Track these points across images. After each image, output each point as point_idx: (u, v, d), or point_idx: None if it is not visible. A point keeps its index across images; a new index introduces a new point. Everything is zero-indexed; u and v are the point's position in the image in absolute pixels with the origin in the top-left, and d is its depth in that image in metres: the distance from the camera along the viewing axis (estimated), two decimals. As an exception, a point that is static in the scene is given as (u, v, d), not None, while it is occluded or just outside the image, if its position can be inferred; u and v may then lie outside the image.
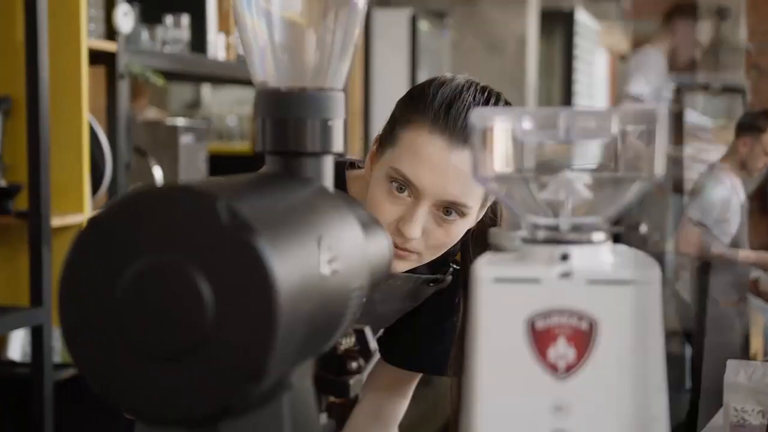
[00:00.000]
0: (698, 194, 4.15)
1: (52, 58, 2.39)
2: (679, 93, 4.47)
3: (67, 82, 2.45)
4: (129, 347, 0.62)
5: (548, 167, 0.74)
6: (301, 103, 0.80)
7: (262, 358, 0.60)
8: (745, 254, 4.19)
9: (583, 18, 7.53)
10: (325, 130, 0.81)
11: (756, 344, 4.40)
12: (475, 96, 1.25)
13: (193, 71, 3.13)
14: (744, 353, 4.22)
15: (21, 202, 2.37)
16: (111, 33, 2.64)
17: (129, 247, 0.62)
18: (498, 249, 0.78)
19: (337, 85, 0.83)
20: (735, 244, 4.19)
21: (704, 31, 4.46)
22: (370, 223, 0.86)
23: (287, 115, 0.80)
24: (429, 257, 1.29)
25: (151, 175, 2.87)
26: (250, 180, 0.73)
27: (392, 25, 5.09)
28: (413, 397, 1.55)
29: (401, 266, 1.28)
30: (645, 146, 0.70)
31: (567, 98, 7.44)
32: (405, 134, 1.24)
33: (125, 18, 2.61)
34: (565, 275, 0.68)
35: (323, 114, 0.81)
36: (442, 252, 1.29)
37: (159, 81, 2.74)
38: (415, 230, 1.23)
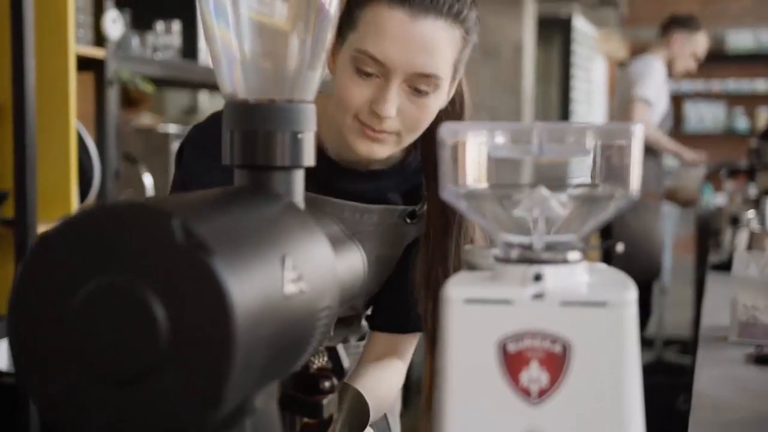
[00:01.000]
0: (643, 74, 4.35)
1: (40, 64, 2.36)
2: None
3: (55, 88, 2.43)
4: (81, 370, 0.59)
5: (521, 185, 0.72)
6: (270, 115, 0.78)
7: (218, 383, 0.58)
8: (668, 142, 4.39)
9: (580, 25, 7.52)
10: (296, 143, 0.78)
11: None
12: None
13: (184, 78, 3.10)
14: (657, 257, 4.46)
15: (7, 210, 2.35)
16: (100, 39, 2.61)
17: (81, 266, 0.59)
18: (471, 267, 0.75)
19: (307, 97, 0.81)
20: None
21: (702, 41, 4.46)
22: (341, 239, 0.83)
23: (256, 128, 0.78)
24: (408, 139, 1.26)
25: (141, 183, 2.85)
26: (213, 196, 0.70)
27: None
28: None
29: (382, 150, 1.25)
30: (621, 163, 0.67)
31: (564, 105, 7.43)
32: (364, 13, 1.21)
33: (114, 24, 2.59)
34: (538, 296, 0.66)
35: (293, 126, 0.78)
36: (420, 132, 1.26)
37: (148, 88, 2.71)
38: (389, 108, 1.20)
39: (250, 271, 0.61)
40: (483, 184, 0.70)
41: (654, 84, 4.34)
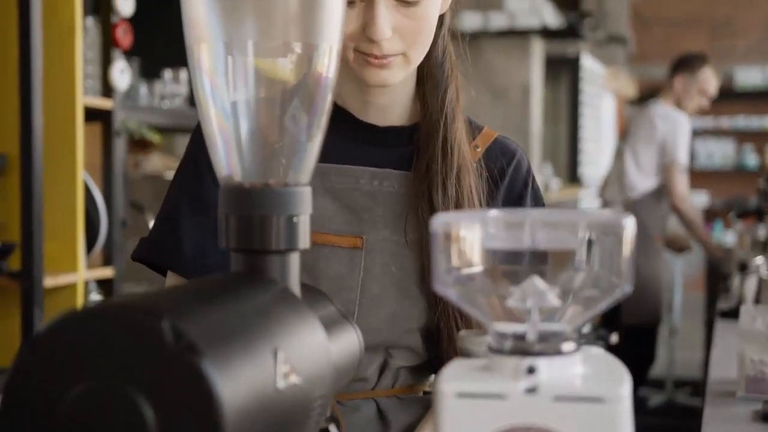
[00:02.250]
0: (676, 136, 4.32)
1: (47, 116, 2.38)
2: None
3: (62, 139, 2.44)
4: (71, 472, 0.59)
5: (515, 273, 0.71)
6: (265, 199, 0.78)
7: (208, 486, 0.57)
8: (700, 228, 4.59)
9: (588, 63, 7.54)
10: (291, 227, 0.78)
11: None
12: None
13: (192, 125, 3.12)
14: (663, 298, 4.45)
15: (14, 262, 2.36)
16: (108, 90, 2.63)
17: (70, 368, 0.59)
18: (466, 354, 0.75)
19: (302, 179, 0.81)
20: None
21: (706, 78, 4.47)
22: (336, 320, 0.83)
23: (251, 212, 0.78)
24: (415, 55, 1.18)
25: (148, 231, 2.85)
26: (204, 287, 0.70)
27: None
28: None
29: (392, 75, 1.17)
30: (614, 254, 0.67)
31: (573, 144, 7.43)
32: None
33: (122, 75, 2.61)
34: (531, 390, 0.65)
35: (289, 210, 0.78)
36: (425, 45, 1.18)
37: (155, 138, 2.73)
38: (381, 30, 1.12)
39: (242, 369, 0.61)
40: (475, 275, 0.70)
41: (686, 145, 4.37)
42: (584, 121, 7.54)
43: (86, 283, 2.60)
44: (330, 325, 0.80)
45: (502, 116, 5.42)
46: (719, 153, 10.14)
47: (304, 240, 0.79)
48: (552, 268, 0.70)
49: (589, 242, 0.68)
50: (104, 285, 2.72)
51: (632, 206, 4.44)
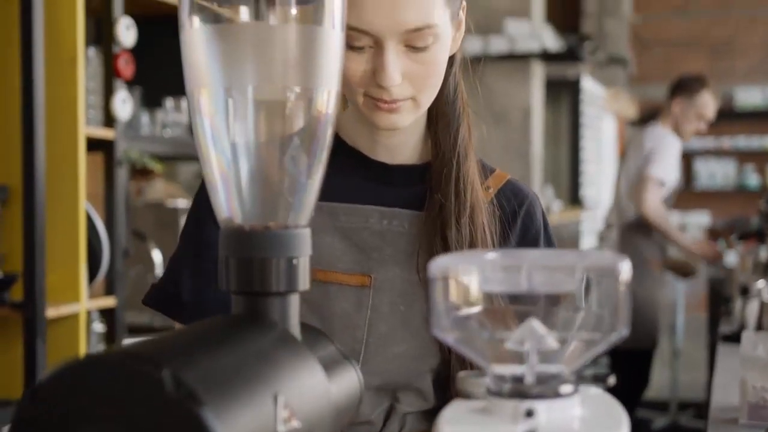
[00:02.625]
0: (658, 151, 4.32)
1: (50, 147, 2.40)
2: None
3: (65, 170, 2.45)
4: None
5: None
6: (265, 242, 0.79)
7: None
8: (678, 235, 4.52)
9: (589, 85, 7.56)
10: (291, 269, 0.79)
11: None
12: None
13: (193, 153, 3.14)
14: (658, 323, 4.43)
15: (16, 293, 2.36)
16: (110, 120, 2.65)
17: (71, 418, 0.60)
18: (465, 395, 0.75)
19: (302, 221, 0.81)
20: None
21: (704, 101, 4.47)
22: (336, 360, 0.83)
23: (251, 255, 0.78)
24: (425, 99, 1.17)
25: (150, 259, 2.86)
26: (204, 332, 0.71)
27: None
28: None
29: (402, 119, 1.17)
30: (611, 297, 0.67)
31: (574, 165, 7.45)
32: None
33: (123, 105, 2.62)
34: (530, 434, 0.66)
35: (288, 252, 0.79)
36: (435, 89, 1.17)
37: (156, 167, 2.74)
38: (391, 76, 1.11)
39: (242, 416, 0.61)
40: (473, 317, 0.70)
41: (668, 162, 4.35)
42: (585, 142, 7.56)
43: (88, 313, 2.61)
44: (330, 366, 0.80)
45: (503, 139, 5.44)
46: (720, 173, 10.16)
47: (303, 281, 0.80)
48: (549, 310, 0.71)
49: (587, 284, 0.69)
50: (106, 314, 2.72)
51: (627, 230, 4.46)
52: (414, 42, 1.12)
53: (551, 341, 0.69)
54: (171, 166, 3.62)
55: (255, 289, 0.78)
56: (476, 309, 0.71)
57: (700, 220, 10.22)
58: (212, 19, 0.79)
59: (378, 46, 1.12)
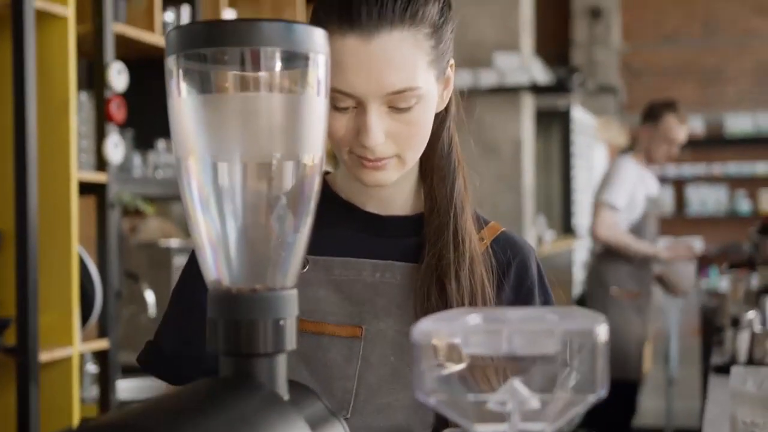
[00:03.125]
0: (612, 177, 4.35)
1: (42, 191, 2.41)
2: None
3: (57, 214, 2.47)
4: None
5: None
6: (252, 304, 0.80)
7: None
8: (638, 244, 4.38)
9: (579, 115, 7.61)
10: (278, 331, 0.81)
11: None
12: None
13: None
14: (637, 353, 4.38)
15: (9, 337, 2.37)
16: (102, 163, 2.67)
17: (63, 489, 0.61)
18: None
19: (288, 283, 0.83)
20: (635, 234, 4.40)
21: (669, 125, 4.45)
22: (323, 418, 0.85)
23: (239, 317, 0.80)
24: (410, 156, 1.18)
25: (143, 300, 2.87)
26: (193, 396, 0.72)
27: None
28: None
29: (387, 176, 1.18)
30: (589, 361, 0.69)
31: (566, 194, 7.48)
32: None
33: (116, 149, 2.64)
34: (512, 496, 0.67)
35: (275, 314, 0.81)
36: (420, 147, 1.18)
37: (148, 210, 2.76)
38: (373, 137, 1.13)
39: (229, 484, 0.63)
40: (455, 379, 0.72)
41: (620, 187, 4.34)
42: (576, 171, 7.60)
43: (81, 356, 2.61)
44: (317, 424, 0.81)
45: (495, 171, 5.47)
46: (712, 199, 10.20)
47: (290, 341, 0.82)
48: (531, 371, 0.73)
49: (566, 347, 0.71)
50: (100, 356, 2.73)
51: (595, 260, 4.49)
52: (396, 103, 1.13)
53: (533, 401, 0.71)
54: (164, 203, 3.64)
55: (243, 351, 0.80)
56: (458, 371, 0.72)
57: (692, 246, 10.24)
58: (199, 88, 0.81)
59: (361, 107, 1.13)
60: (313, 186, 0.84)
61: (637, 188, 4.39)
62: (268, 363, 0.80)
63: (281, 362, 0.81)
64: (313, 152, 0.83)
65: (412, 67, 1.13)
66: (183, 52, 0.80)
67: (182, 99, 0.80)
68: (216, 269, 0.83)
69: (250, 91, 0.82)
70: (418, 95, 1.13)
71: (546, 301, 1.29)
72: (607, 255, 4.39)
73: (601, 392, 0.70)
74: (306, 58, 0.81)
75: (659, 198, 4.68)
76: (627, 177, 4.37)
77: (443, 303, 1.20)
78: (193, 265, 1.29)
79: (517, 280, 1.28)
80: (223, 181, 0.81)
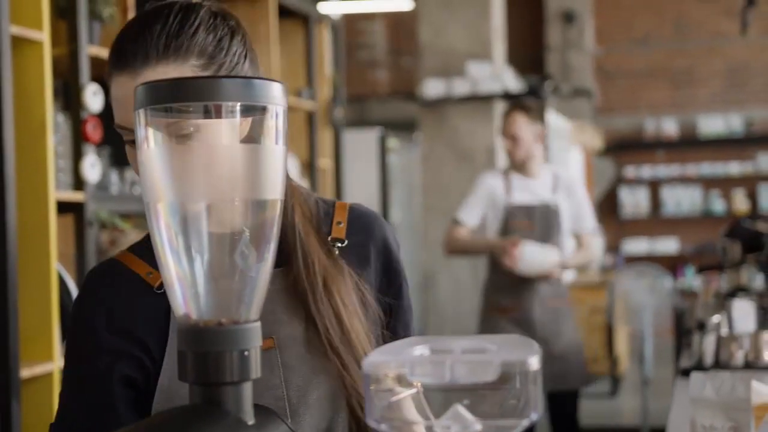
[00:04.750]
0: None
1: (21, 211, 2.46)
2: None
3: (36, 233, 2.52)
4: None
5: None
6: (218, 337, 0.87)
7: None
8: (473, 241, 4.16)
9: (553, 119, 7.70)
10: (243, 360, 0.88)
11: None
12: (148, 14, 1.22)
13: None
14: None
15: (-11, 355, 2.42)
16: (79, 183, 2.72)
17: None
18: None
19: (252, 317, 0.90)
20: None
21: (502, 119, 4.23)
22: (288, 440, 0.92)
23: (206, 349, 0.87)
24: None
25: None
26: (163, 424, 0.79)
27: (362, 143, 5.25)
28: None
29: None
30: (522, 387, 0.76)
31: (542, 198, 7.56)
32: (111, 90, 1.23)
33: (92, 168, 2.70)
34: None
35: (240, 345, 0.88)
36: None
37: (126, 226, 2.82)
38: None
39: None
40: (402, 406, 0.79)
41: (469, 201, 4.19)
42: (551, 175, 7.67)
43: (61, 371, 2.66)
44: (281, 446, 0.88)
45: (468, 178, 5.54)
46: (687, 200, 10.33)
47: (255, 370, 0.88)
48: (472, 397, 0.80)
49: (503, 375, 0.78)
50: (80, 370, 2.78)
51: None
52: (177, 133, 1.15)
53: (476, 425, 0.78)
54: (142, 217, 3.69)
55: (210, 380, 0.87)
56: (405, 399, 0.79)
57: (668, 246, 10.38)
58: (165, 139, 0.88)
59: None
60: (273, 223, 0.91)
61: (490, 199, 4.18)
62: (235, 391, 0.87)
63: (247, 389, 0.88)
64: (273, 193, 0.90)
65: None
66: (150, 106, 0.86)
67: (150, 149, 0.87)
68: (184, 304, 0.89)
69: (212, 140, 0.89)
70: (195, 124, 1.07)
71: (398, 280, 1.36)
72: (487, 274, 4.25)
73: (534, 416, 0.77)
74: (264, 110, 0.88)
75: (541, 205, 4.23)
76: (477, 190, 4.19)
77: (312, 322, 1.26)
78: (84, 331, 1.28)
79: (378, 251, 1.36)
80: (189, 222, 0.88)
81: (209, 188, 0.88)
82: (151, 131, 0.87)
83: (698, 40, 10.13)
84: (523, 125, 4.06)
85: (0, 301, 2.40)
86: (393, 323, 1.36)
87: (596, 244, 4.34)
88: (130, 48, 1.20)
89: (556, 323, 4.20)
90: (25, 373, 2.44)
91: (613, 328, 7.17)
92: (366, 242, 1.35)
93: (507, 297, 4.15)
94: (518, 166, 4.17)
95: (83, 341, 1.28)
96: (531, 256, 4.03)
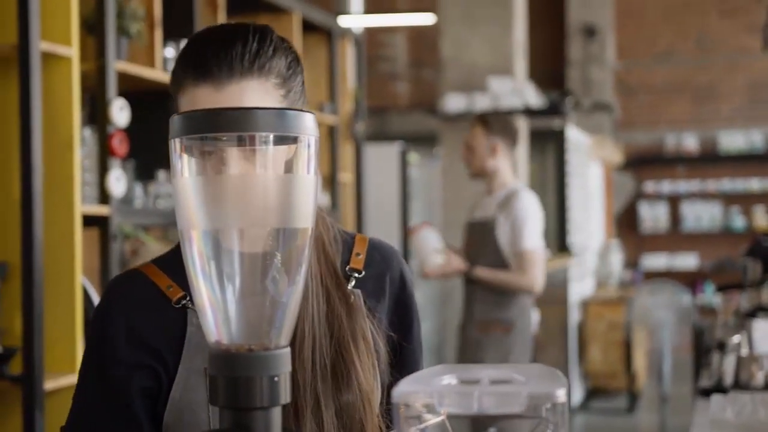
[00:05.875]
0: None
1: (47, 225, 2.50)
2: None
3: (62, 247, 2.55)
4: None
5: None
6: (249, 363, 0.89)
7: None
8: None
9: (573, 134, 7.70)
10: (272, 386, 0.89)
11: None
12: (225, 30, 1.25)
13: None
14: None
15: (15, 366, 2.45)
16: (105, 197, 2.75)
17: None
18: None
19: (282, 342, 0.91)
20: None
21: (484, 140, 4.06)
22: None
23: (237, 374, 0.89)
24: None
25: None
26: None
27: (383, 157, 5.27)
28: None
29: None
30: (551, 419, 0.78)
31: (561, 213, 7.56)
32: (180, 100, 1.23)
33: (118, 182, 2.73)
34: None
35: (270, 371, 0.89)
36: None
37: (149, 240, 2.84)
38: None
39: None
40: (432, 434, 0.80)
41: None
42: (571, 190, 7.68)
43: (85, 382, 2.69)
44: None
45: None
46: (707, 216, 10.29)
47: (285, 395, 0.90)
48: (500, 426, 0.81)
49: (531, 406, 0.79)
50: (103, 382, 2.81)
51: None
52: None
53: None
54: (164, 231, 3.72)
55: (241, 405, 0.88)
56: (434, 428, 0.81)
57: (687, 262, 10.34)
58: (200, 169, 0.90)
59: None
60: (304, 250, 0.92)
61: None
62: (264, 416, 0.89)
63: (276, 414, 0.90)
64: (304, 221, 0.91)
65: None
66: (185, 136, 0.88)
67: (185, 178, 0.89)
68: (216, 330, 0.91)
69: (246, 170, 0.91)
70: (230, 154, 1.15)
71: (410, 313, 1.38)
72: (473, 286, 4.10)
73: (562, 449, 0.78)
74: (296, 140, 0.90)
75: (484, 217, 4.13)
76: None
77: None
78: (103, 341, 1.29)
79: (394, 287, 1.37)
80: (221, 250, 0.90)
81: (242, 217, 0.89)
82: (186, 160, 0.89)
83: (720, 56, 10.11)
84: (478, 136, 4.03)
85: (26, 313, 2.43)
86: (399, 364, 1.36)
87: (534, 270, 3.96)
88: (213, 60, 1.21)
89: (475, 352, 3.96)
90: (49, 385, 2.47)
91: (632, 344, 7.15)
92: (383, 275, 1.37)
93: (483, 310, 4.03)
94: (475, 177, 4.16)
95: (101, 350, 1.29)
96: (421, 240, 4.02)
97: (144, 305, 1.31)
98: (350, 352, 1.27)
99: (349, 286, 1.32)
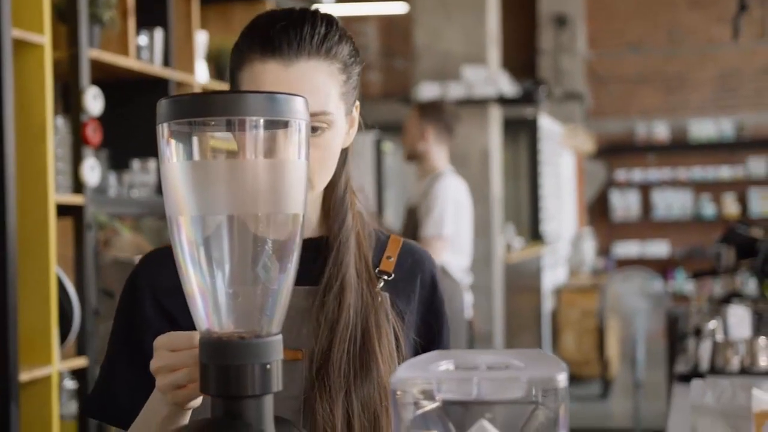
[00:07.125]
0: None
1: (21, 214, 2.46)
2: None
3: (36, 236, 2.51)
4: None
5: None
6: (240, 350, 0.88)
7: None
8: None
9: (546, 123, 7.72)
10: (264, 374, 0.88)
11: None
12: (294, 12, 1.26)
13: (160, 213, 3.21)
14: None
15: (-12, 358, 2.41)
16: (78, 185, 2.71)
17: None
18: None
19: (274, 330, 0.90)
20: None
21: (416, 124, 4.13)
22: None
23: (228, 362, 0.87)
24: (320, 181, 1.25)
25: (119, 318, 2.91)
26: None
27: (357, 146, 5.24)
28: None
29: None
30: (551, 405, 0.77)
31: (534, 201, 7.59)
32: (243, 74, 1.23)
33: (92, 172, 2.70)
34: None
35: (262, 359, 0.88)
36: (328, 173, 1.25)
37: (124, 230, 2.81)
38: None
39: None
40: (429, 422, 0.79)
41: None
42: (544, 179, 7.70)
43: (60, 374, 2.66)
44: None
45: (464, 181, 5.55)
46: (677, 203, 10.36)
47: (276, 383, 0.89)
48: (498, 412, 0.80)
49: (531, 391, 0.78)
50: (78, 374, 2.78)
51: None
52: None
53: (498, 441, 0.78)
54: (137, 222, 3.69)
55: (232, 393, 0.87)
56: (431, 414, 0.80)
57: (659, 249, 10.41)
58: (188, 154, 0.88)
59: None
60: (295, 237, 0.91)
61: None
62: (256, 404, 0.87)
63: (268, 402, 0.89)
64: (295, 207, 0.90)
65: (325, 94, 1.22)
66: (173, 120, 0.86)
67: (173, 163, 0.87)
68: (207, 318, 0.90)
69: (235, 155, 0.89)
70: (329, 120, 1.22)
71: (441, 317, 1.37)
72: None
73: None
74: (286, 125, 0.88)
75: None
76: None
77: (318, 326, 1.26)
78: (131, 302, 1.30)
79: (424, 291, 1.36)
80: (211, 236, 0.88)
81: (231, 202, 0.88)
82: (173, 145, 0.88)
83: (690, 46, 10.16)
84: (412, 119, 4.15)
85: (0, 307, 2.40)
86: None
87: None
88: (283, 37, 1.22)
89: None
90: (24, 376, 2.43)
91: (605, 331, 7.19)
92: (413, 279, 1.35)
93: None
94: (408, 159, 4.24)
95: (129, 317, 1.30)
96: None
97: (173, 280, 1.28)
98: (374, 344, 1.26)
99: (378, 288, 1.31)
